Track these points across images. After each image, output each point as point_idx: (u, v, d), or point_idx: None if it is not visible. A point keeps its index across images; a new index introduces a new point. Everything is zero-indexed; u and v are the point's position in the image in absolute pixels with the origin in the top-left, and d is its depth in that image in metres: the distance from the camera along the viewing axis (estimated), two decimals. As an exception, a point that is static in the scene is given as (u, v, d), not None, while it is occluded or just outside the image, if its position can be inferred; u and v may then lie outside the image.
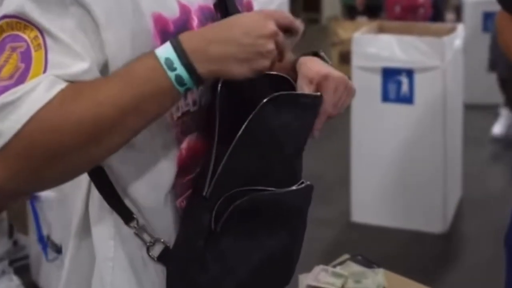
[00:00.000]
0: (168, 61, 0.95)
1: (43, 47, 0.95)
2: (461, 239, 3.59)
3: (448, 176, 3.68)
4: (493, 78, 4.90)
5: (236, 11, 1.10)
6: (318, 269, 1.72)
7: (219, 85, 1.05)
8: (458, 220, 3.77)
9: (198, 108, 1.10)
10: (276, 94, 1.06)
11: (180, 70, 0.95)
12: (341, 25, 6.55)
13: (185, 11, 1.08)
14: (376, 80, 3.64)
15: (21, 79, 0.92)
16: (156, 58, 0.95)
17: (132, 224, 1.09)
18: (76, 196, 1.14)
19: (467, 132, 4.29)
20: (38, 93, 0.91)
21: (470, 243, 3.53)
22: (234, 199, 1.06)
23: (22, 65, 0.94)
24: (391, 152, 3.69)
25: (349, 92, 1.22)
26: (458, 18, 6.41)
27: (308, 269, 1.73)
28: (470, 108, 4.69)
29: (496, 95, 5.03)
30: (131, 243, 1.10)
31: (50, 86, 0.93)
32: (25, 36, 0.95)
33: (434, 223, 3.65)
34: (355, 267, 1.77)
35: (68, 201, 1.17)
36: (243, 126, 1.04)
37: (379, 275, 1.74)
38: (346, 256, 1.85)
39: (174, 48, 0.96)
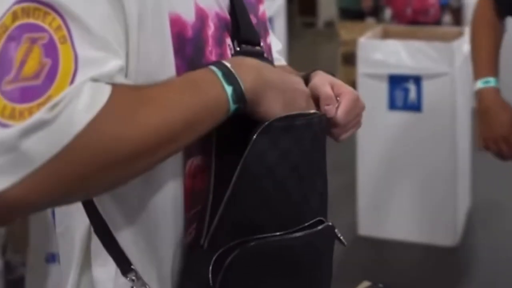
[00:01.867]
0: (225, 76, 0.88)
1: (69, 40, 0.78)
2: (472, 252, 3.46)
3: (458, 185, 3.55)
4: (502, 81, 4.72)
5: (247, 21, 1.02)
6: (339, 301, 1.59)
7: None
8: (468, 231, 3.64)
9: None
10: (266, 123, 0.91)
11: (236, 86, 0.88)
12: (344, 26, 6.40)
13: (202, 16, 0.96)
14: (382, 88, 3.50)
15: (50, 79, 0.76)
16: (213, 72, 0.88)
17: (129, 276, 0.94)
18: (77, 231, 1.00)
19: (476, 137, 4.15)
20: (85, 100, 0.76)
21: (481, 255, 3.40)
22: (233, 249, 0.91)
23: (48, 61, 0.77)
24: (399, 162, 3.55)
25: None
26: (456, 20, 6.31)
27: None
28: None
29: (506, 99, 4.86)
30: None
31: (97, 91, 0.77)
32: (45, 26, 0.78)
33: (445, 235, 3.51)
34: (378, 298, 1.64)
35: (69, 234, 1.02)
36: (238, 168, 0.89)
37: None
38: (366, 283, 1.71)
39: (226, 67, 0.89)
